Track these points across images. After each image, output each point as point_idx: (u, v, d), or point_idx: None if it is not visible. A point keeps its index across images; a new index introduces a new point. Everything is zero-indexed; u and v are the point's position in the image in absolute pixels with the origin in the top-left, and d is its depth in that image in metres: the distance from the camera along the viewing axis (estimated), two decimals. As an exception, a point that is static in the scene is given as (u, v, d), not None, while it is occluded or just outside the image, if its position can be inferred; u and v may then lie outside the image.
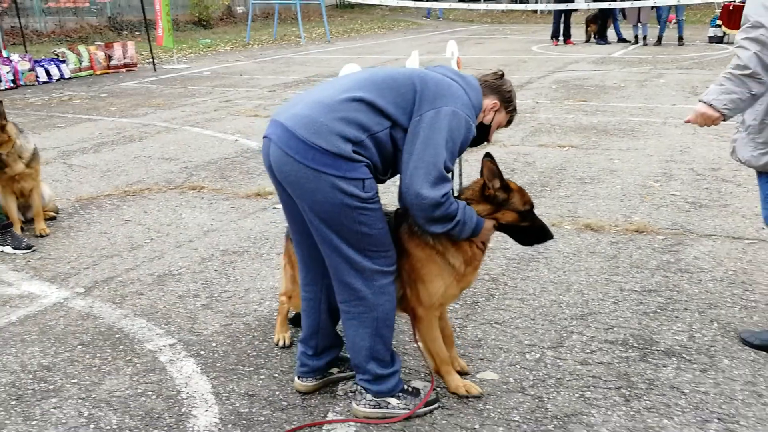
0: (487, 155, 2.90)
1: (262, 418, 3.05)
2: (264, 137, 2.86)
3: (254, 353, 3.60)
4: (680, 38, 17.66)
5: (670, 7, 17.64)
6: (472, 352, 3.53)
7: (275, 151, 2.76)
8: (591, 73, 13.25)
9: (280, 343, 3.64)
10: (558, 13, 18.74)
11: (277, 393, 3.24)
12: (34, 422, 3.05)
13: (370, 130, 2.72)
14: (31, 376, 3.42)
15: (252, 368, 3.45)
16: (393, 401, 2.99)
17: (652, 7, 17.57)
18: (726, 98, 3.08)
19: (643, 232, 5.13)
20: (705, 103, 3.15)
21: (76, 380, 3.37)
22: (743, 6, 3.15)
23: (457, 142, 2.76)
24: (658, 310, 3.93)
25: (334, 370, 3.27)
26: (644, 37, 18.19)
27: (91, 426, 3.01)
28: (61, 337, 3.81)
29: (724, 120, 3.15)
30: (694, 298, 4.07)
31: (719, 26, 17.40)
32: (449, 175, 2.80)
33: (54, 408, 3.15)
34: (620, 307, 3.99)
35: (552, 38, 19.04)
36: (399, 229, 2.99)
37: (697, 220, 5.34)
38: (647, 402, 3.09)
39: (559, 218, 5.42)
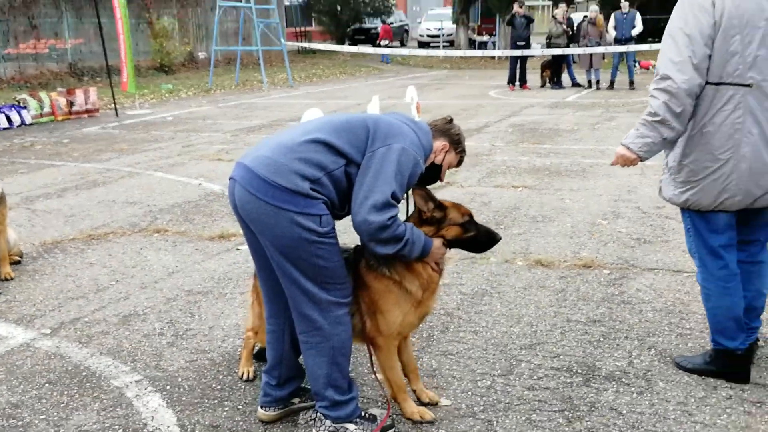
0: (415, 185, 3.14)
1: (227, 447, 3.19)
2: (230, 179, 3.07)
3: (219, 387, 3.74)
4: (631, 83, 18.36)
5: (621, 53, 18.40)
6: (427, 381, 3.72)
7: (239, 190, 2.97)
8: (546, 117, 13.72)
9: (245, 377, 3.79)
10: (514, 59, 19.32)
11: (241, 423, 3.38)
12: (4, 456, 3.15)
13: (326, 168, 2.95)
14: (-1, 413, 3.52)
15: (216, 401, 3.60)
16: (351, 427, 3.16)
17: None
18: (641, 141, 3.42)
19: (590, 266, 5.40)
20: (624, 145, 3.48)
21: (44, 416, 3.48)
22: None
23: (405, 175, 2.99)
24: (601, 339, 4.18)
25: (296, 400, 3.43)
26: (597, 82, 18.89)
27: (61, 459, 3.13)
28: (28, 376, 3.90)
29: (641, 161, 3.48)
30: (635, 327, 4.33)
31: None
32: (398, 205, 3.02)
33: (23, 443, 3.25)
34: (566, 336, 4.23)
35: (508, 83, 19.59)
36: (358, 263, 3.20)
37: (641, 255, 5.64)
38: (588, 423, 3.31)
39: (512, 255, 5.68)
